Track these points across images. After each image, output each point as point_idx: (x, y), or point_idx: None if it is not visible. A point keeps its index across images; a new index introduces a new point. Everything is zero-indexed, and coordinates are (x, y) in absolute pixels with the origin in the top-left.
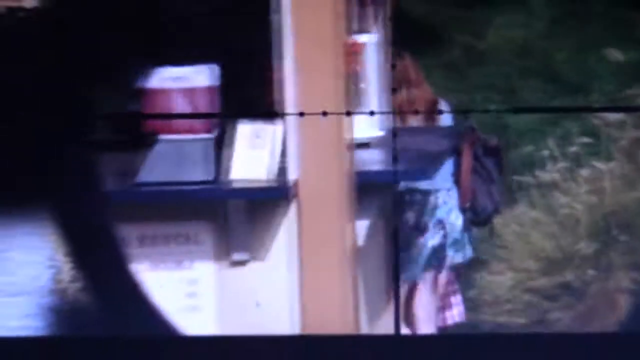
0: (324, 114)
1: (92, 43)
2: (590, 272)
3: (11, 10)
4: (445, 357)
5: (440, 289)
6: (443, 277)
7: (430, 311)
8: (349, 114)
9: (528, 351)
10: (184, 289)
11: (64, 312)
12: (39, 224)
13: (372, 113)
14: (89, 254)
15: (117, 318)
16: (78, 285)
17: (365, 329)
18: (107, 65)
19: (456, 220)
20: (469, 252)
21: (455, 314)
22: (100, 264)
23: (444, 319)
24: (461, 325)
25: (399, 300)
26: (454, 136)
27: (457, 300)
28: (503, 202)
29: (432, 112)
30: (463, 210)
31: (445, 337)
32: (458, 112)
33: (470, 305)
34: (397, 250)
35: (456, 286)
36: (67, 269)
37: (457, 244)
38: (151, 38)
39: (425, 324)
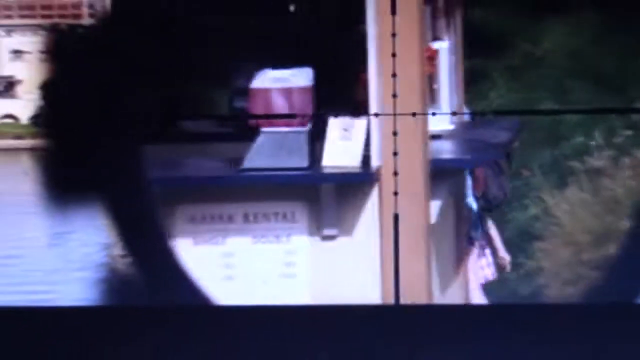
0: (413, 114)
1: (204, 50)
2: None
3: (72, 27)
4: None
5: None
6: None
7: (477, 272)
8: (434, 114)
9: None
10: (282, 259)
11: (114, 283)
12: (94, 210)
13: (454, 114)
14: (134, 235)
15: (156, 288)
16: (125, 261)
17: (436, 297)
18: (221, 69)
19: (472, 205)
20: (479, 233)
21: (489, 273)
22: (142, 243)
23: (485, 277)
24: (521, 292)
25: (399, 273)
26: (506, 129)
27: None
28: (510, 193)
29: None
30: (476, 197)
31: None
32: (476, 113)
33: (529, 275)
34: (396, 237)
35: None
36: (117, 248)
37: (475, 225)
38: (255, 46)
39: (476, 284)
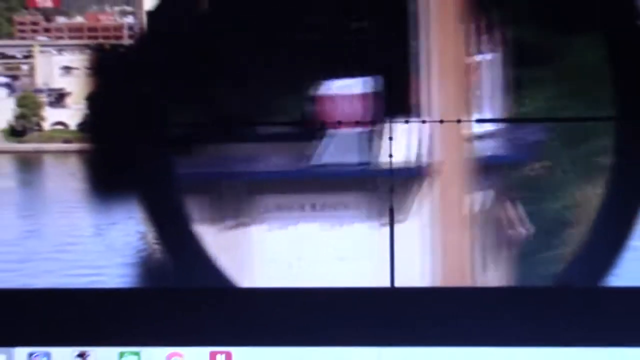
0: (458, 121)
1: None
2: None
3: (113, 46)
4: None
5: None
6: None
7: None
8: (479, 121)
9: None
10: (344, 243)
11: (149, 267)
12: (131, 205)
13: (497, 121)
14: (164, 226)
15: (182, 271)
16: (157, 247)
17: (479, 280)
18: (293, 79)
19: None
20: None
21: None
22: (171, 232)
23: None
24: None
25: (394, 256)
26: (540, 130)
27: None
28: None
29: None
30: None
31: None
32: (513, 120)
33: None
34: (392, 229)
35: None
36: (150, 236)
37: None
38: (322, 59)
39: None
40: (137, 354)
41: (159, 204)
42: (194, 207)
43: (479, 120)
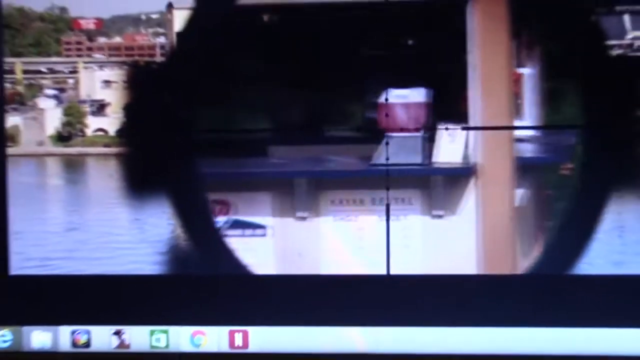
0: (502, 127)
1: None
2: None
3: (147, 63)
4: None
5: None
6: None
7: None
8: (519, 128)
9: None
10: (401, 233)
11: (177, 256)
12: (161, 201)
13: (540, 128)
14: (189, 219)
15: (206, 260)
16: (184, 239)
17: (520, 266)
18: (357, 89)
19: None
20: None
21: None
22: (195, 225)
23: None
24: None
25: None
26: (573, 135)
27: None
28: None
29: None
30: None
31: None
32: (550, 127)
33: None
34: (387, 223)
35: None
36: (179, 229)
37: None
38: (382, 71)
39: None
40: (165, 331)
41: (185, 202)
42: (270, 202)
43: (519, 127)
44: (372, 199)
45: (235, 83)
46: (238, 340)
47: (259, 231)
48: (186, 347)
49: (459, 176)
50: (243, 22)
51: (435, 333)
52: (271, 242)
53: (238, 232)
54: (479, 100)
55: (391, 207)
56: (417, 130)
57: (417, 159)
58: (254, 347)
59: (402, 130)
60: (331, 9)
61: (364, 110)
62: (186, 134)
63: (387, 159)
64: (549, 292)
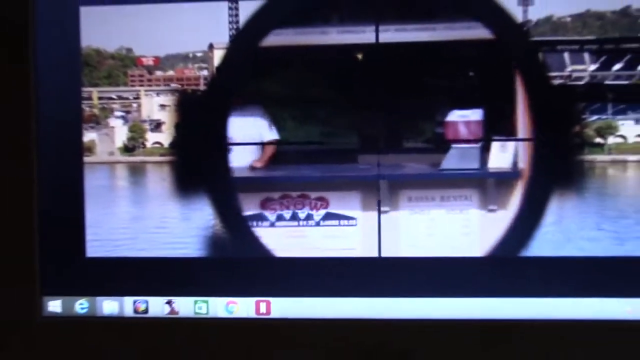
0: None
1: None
2: None
3: (193, 90)
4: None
5: None
6: None
7: None
8: (553, 139)
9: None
10: (462, 224)
11: (215, 241)
12: (204, 198)
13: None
14: (223, 212)
15: (237, 245)
16: (220, 228)
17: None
18: (428, 110)
19: None
20: None
21: None
22: (228, 217)
23: None
24: None
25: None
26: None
27: None
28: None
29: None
30: None
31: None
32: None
33: None
34: (379, 218)
35: None
36: (215, 220)
37: None
38: (447, 96)
39: None
40: (206, 301)
41: (220, 199)
42: (359, 198)
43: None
44: (440, 196)
45: (316, 106)
46: (262, 308)
47: (351, 222)
48: (222, 313)
49: (509, 179)
50: (300, 59)
51: (460, 302)
52: (360, 230)
53: (335, 222)
54: (524, 117)
55: (454, 203)
56: (475, 142)
57: (475, 165)
58: (275, 313)
59: (463, 142)
60: (406, 49)
61: (434, 126)
62: (219, 145)
63: (452, 165)
64: (510, 271)
